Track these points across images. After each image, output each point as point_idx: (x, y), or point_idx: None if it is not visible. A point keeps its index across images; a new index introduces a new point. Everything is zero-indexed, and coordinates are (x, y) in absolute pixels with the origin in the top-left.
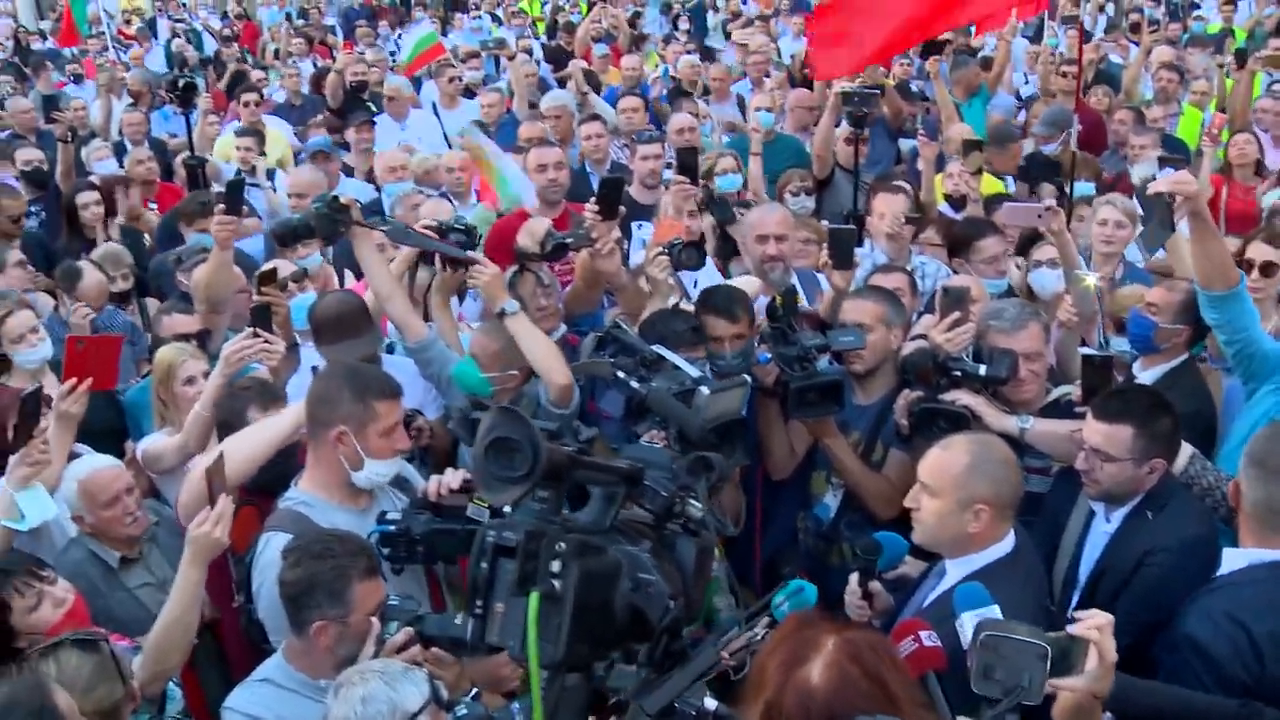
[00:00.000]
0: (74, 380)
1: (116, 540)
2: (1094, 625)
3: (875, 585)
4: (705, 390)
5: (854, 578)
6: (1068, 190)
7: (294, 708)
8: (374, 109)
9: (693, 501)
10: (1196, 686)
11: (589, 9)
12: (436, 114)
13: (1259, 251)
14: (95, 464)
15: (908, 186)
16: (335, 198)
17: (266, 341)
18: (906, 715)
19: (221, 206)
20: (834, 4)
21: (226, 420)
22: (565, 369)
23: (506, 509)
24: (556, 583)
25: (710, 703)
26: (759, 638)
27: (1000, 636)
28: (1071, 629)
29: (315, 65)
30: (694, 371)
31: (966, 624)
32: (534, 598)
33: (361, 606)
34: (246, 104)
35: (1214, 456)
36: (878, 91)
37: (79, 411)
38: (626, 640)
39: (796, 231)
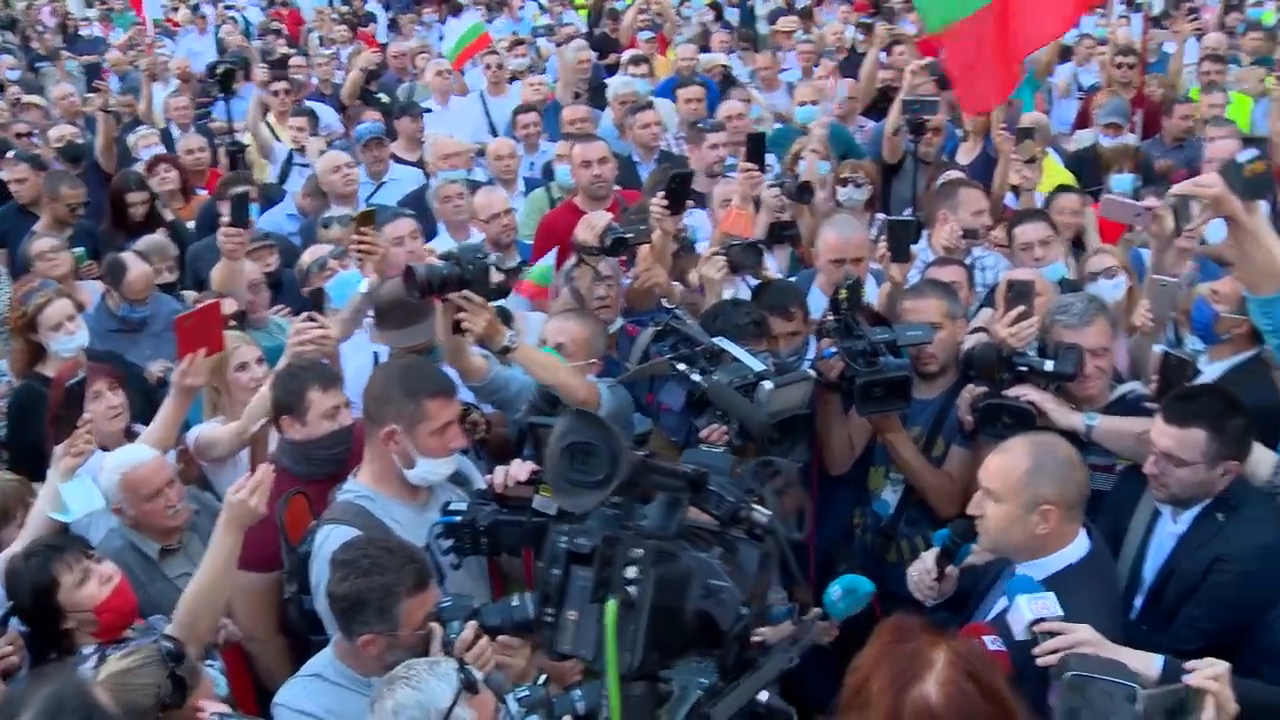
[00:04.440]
0: (190, 355)
1: (156, 531)
2: (1211, 675)
3: (952, 569)
4: (769, 384)
5: (929, 556)
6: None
7: (344, 702)
8: (384, 100)
9: (758, 507)
10: None
11: None
12: (484, 101)
13: None
14: (137, 456)
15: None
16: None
17: (322, 327)
18: None
19: (227, 219)
20: (955, 37)
21: (284, 401)
22: (581, 384)
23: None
24: (633, 590)
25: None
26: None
27: (1087, 678)
28: (1188, 679)
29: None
30: (757, 365)
31: (1023, 606)
32: (611, 605)
33: (410, 621)
34: (276, 93)
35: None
36: (938, 99)
37: (199, 384)
38: (694, 647)
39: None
